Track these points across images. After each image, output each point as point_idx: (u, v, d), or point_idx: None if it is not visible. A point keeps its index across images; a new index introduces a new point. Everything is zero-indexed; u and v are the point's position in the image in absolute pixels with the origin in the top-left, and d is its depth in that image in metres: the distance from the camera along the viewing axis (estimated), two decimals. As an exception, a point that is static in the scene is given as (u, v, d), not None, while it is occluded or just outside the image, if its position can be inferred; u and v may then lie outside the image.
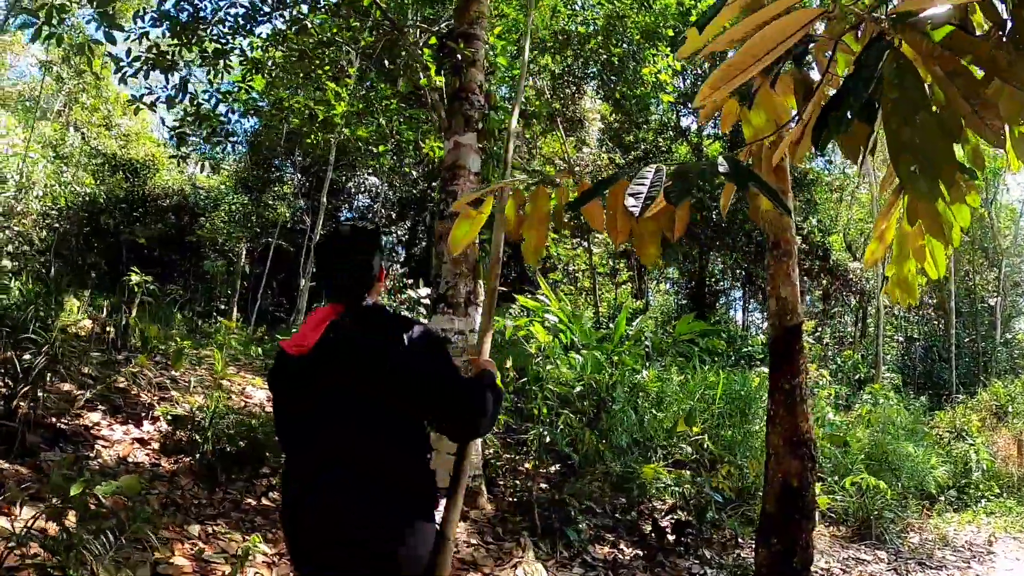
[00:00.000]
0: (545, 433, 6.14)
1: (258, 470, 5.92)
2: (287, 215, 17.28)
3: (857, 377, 15.48)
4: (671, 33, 9.78)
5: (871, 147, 1.89)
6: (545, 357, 7.09)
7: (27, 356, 5.83)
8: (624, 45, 9.79)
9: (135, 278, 10.25)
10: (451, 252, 5.98)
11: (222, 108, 7.24)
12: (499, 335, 7.20)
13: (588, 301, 17.58)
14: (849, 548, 6.36)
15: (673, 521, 5.73)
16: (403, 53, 6.56)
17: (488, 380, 2.23)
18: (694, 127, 20.46)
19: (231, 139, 7.35)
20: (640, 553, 5.29)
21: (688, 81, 19.04)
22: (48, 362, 6.03)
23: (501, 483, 6.14)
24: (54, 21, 5.79)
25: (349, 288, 2.12)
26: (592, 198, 1.76)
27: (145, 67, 6.47)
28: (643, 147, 18.23)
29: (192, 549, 4.43)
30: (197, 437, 5.72)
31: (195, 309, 15.60)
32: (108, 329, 8.28)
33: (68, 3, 6.19)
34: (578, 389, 7.30)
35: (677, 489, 6.02)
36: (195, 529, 4.91)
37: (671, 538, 5.56)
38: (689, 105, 19.54)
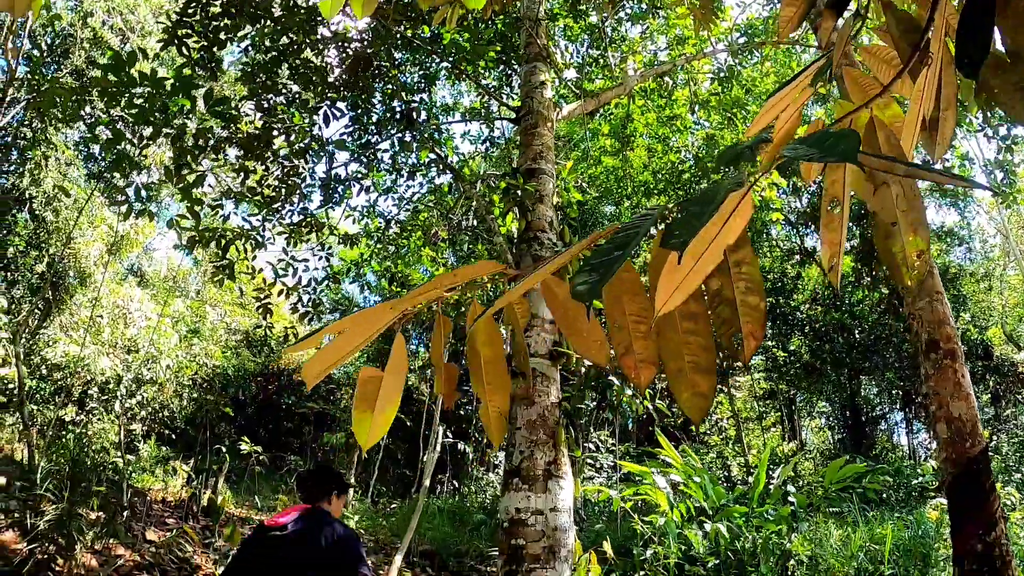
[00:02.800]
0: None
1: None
2: (417, 384, 17.24)
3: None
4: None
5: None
6: (660, 533, 5.97)
7: (92, 516, 5.71)
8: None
9: (245, 447, 10.45)
10: (531, 414, 5.31)
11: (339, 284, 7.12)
12: (606, 504, 6.19)
13: (736, 449, 16.02)
14: None
15: None
16: (472, 203, 6.23)
17: None
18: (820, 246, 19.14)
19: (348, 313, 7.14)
20: None
21: (805, 200, 18.10)
22: (107, 523, 6.04)
23: None
24: (142, 199, 5.91)
25: (314, 496, 3.49)
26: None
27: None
28: (770, 276, 17.09)
29: None
30: None
31: None
32: (196, 496, 8.28)
33: (158, 182, 6.38)
34: (712, 564, 6.09)
35: None
36: None
37: None
38: (812, 225, 18.45)
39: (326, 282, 6.68)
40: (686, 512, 6.54)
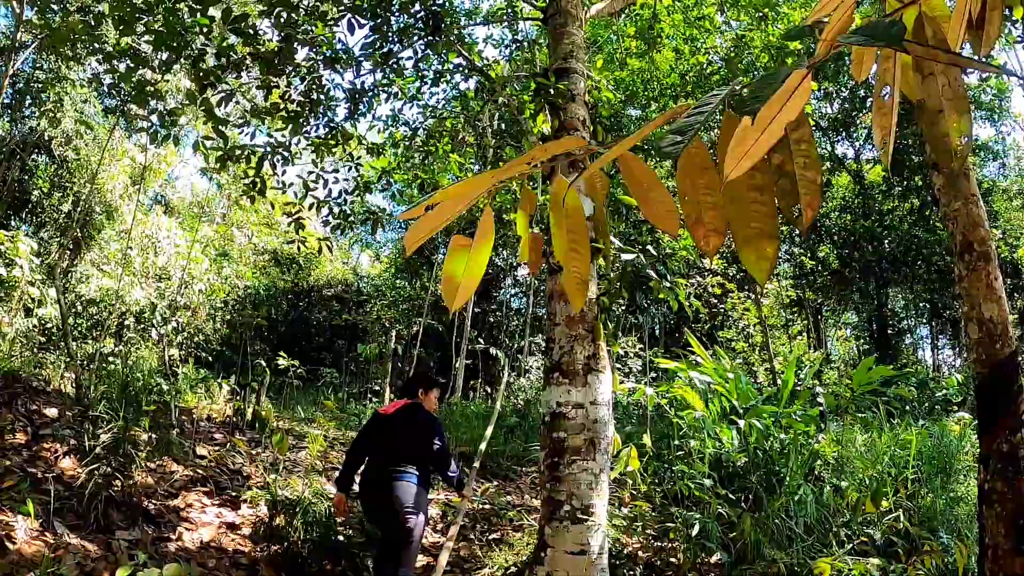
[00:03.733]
0: (695, 520, 5.09)
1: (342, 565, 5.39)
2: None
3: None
4: (798, 46, 8.73)
5: None
6: (695, 428, 6.08)
7: (144, 436, 5.94)
8: (753, 74, 8.87)
9: (283, 362, 10.77)
10: (569, 310, 5.37)
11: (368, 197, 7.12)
12: (636, 407, 6.31)
13: (763, 356, 16.13)
14: None
15: None
16: (501, 106, 6.10)
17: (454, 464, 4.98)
18: (851, 153, 18.69)
19: (379, 223, 7.04)
20: None
21: (836, 106, 17.54)
22: (159, 442, 6.27)
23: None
24: (167, 125, 5.88)
25: (409, 394, 5.02)
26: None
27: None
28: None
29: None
30: (285, 523, 5.38)
31: (350, 392, 16.12)
32: (240, 412, 8.58)
33: (180, 107, 6.31)
34: (742, 462, 6.23)
35: None
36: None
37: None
38: (843, 132, 17.96)
39: (356, 193, 6.66)
40: (718, 410, 6.65)
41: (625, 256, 5.09)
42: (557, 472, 5.19)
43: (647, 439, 5.88)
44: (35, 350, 9.71)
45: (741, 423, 6.11)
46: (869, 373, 6.69)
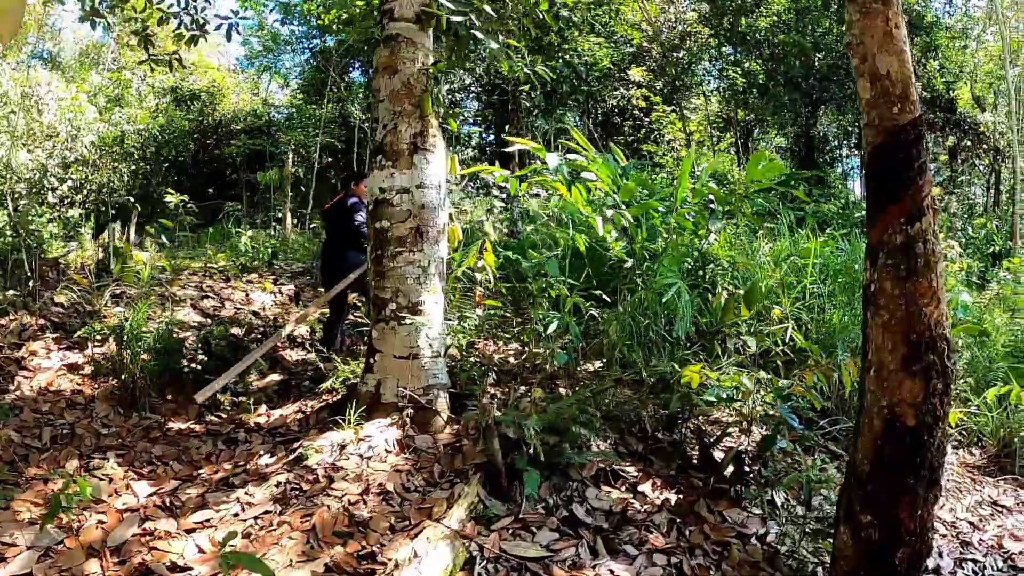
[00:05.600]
0: (552, 320, 4.40)
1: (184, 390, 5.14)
2: (357, 113, 16.34)
3: (991, 250, 12.82)
4: None
5: None
6: (558, 221, 5.26)
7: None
8: None
9: (171, 199, 10.01)
10: (394, 84, 4.33)
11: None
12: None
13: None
14: (984, 485, 4.50)
15: (727, 451, 4.10)
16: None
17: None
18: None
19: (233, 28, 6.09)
20: (671, 499, 3.70)
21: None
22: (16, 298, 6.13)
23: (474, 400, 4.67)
24: None
25: (346, 189, 6.47)
26: None
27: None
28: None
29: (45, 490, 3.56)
30: (128, 357, 5.05)
31: (252, 223, 15.65)
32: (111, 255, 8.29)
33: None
34: (628, 264, 5.59)
35: (737, 403, 4.28)
36: (73, 465, 3.94)
37: (726, 473, 3.94)
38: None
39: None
40: (584, 199, 5.83)
41: (455, 18, 4.05)
42: (381, 267, 4.40)
43: (489, 227, 5.07)
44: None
45: (610, 212, 5.33)
46: (762, 169, 5.72)
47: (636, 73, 16.44)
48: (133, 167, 14.25)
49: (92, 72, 14.43)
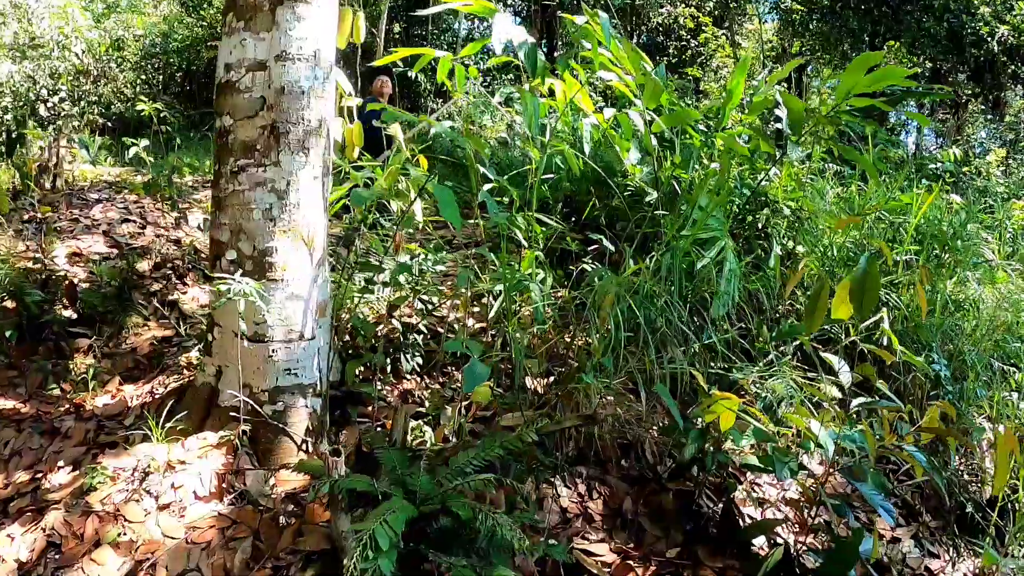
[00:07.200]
0: (519, 277, 2.69)
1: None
2: None
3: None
4: None
5: None
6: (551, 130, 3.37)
7: None
8: None
9: (145, 108, 9.13)
10: None
11: None
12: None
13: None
14: None
15: (764, 523, 2.39)
16: None
17: None
18: None
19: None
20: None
21: None
22: None
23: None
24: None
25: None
26: None
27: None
28: None
29: None
30: None
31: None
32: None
33: None
34: (651, 198, 3.87)
35: (801, 478, 2.50)
36: None
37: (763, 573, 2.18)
38: None
39: None
40: (592, 106, 3.94)
41: None
42: (218, 190, 2.68)
43: (397, 130, 3.19)
44: None
45: (608, 112, 3.52)
46: (870, 76, 3.55)
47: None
48: (144, 78, 13.88)
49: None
